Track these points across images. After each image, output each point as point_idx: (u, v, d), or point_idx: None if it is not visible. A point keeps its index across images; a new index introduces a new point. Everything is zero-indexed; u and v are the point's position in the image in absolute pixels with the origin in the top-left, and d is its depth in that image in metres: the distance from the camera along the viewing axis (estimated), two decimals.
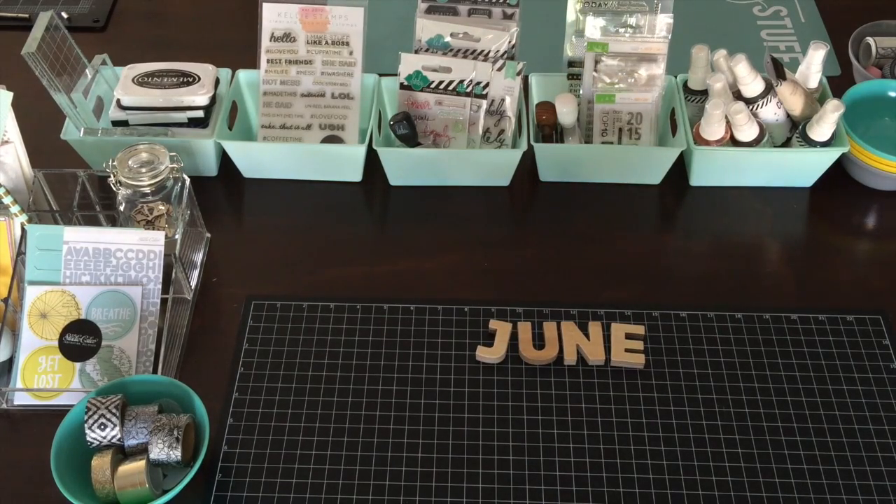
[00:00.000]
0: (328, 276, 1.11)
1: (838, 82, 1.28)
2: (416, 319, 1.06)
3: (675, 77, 1.21)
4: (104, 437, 0.89)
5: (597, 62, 1.15)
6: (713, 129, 1.12)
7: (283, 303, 1.07)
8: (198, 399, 0.92)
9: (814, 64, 1.18)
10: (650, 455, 0.94)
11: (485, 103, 1.15)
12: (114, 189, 1.04)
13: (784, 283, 1.10)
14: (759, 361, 1.01)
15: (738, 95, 1.15)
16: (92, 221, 1.09)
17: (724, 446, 0.95)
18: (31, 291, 1.00)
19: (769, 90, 1.14)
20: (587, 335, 1.03)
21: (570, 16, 1.18)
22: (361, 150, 1.17)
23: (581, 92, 1.17)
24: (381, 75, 1.22)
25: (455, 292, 1.09)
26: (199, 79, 1.19)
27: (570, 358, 1.01)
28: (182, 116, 1.18)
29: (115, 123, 1.19)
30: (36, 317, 0.99)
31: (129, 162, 1.04)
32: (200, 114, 1.19)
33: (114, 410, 0.89)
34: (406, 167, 1.19)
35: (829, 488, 0.91)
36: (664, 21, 1.14)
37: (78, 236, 1.00)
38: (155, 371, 0.98)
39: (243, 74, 1.24)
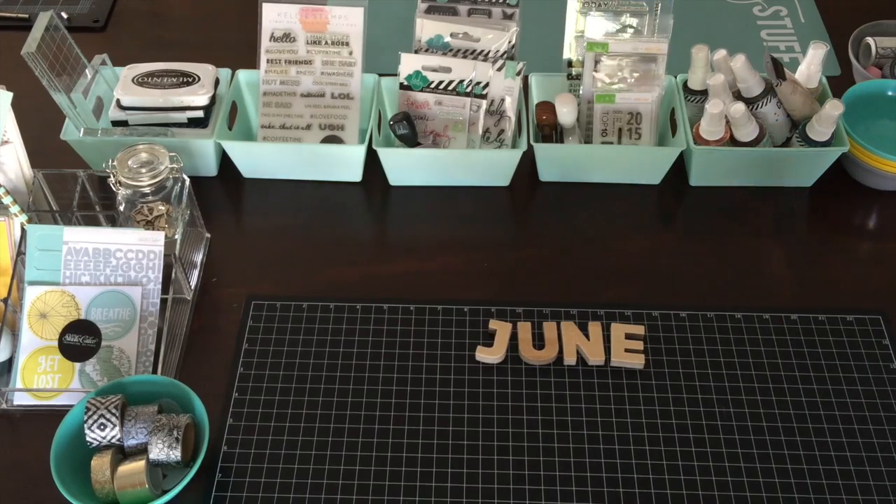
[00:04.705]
0: (328, 276, 1.11)
1: (838, 82, 1.28)
2: (415, 319, 1.06)
3: (675, 77, 1.21)
4: (104, 438, 0.89)
5: (597, 62, 1.15)
6: (713, 128, 1.12)
7: (283, 303, 1.07)
8: (197, 399, 0.92)
9: (814, 64, 1.18)
10: (650, 455, 0.94)
11: (485, 103, 1.15)
12: (113, 189, 1.04)
13: (784, 283, 1.10)
14: (759, 361, 1.01)
15: (738, 95, 1.15)
16: (92, 221, 1.09)
17: (724, 446, 0.94)
18: (31, 291, 0.99)
19: (769, 90, 1.14)
20: (587, 335, 1.03)
21: (570, 16, 1.18)
22: (361, 151, 1.17)
23: (581, 92, 1.17)
24: (380, 75, 1.22)
25: (455, 292, 1.09)
26: (199, 79, 1.19)
27: (569, 358, 1.01)
28: (182, 116, 1.18)
29: (115, 123, 1.19)
30: (36, 317, 0.99)
31: (129, 162, 1.04)
32: (200, 114, 1.19)
33: (113, 410, 0.89)
34: (406, 167, 1.19)
35: (829, 488, 0.91)
36: (664, 21, 1.14)
37: (78, 236, 1.00)
38: (155, 371, 0.98)
39: (243, 74, 1.24)
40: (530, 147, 1.15)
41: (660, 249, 1.14)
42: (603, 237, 1.15)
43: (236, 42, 1.35)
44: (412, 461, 0.94)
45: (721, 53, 1.17)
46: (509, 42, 1.15)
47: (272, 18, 1.19)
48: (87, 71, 1.18)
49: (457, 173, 1.19)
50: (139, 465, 0.88)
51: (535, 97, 1.20)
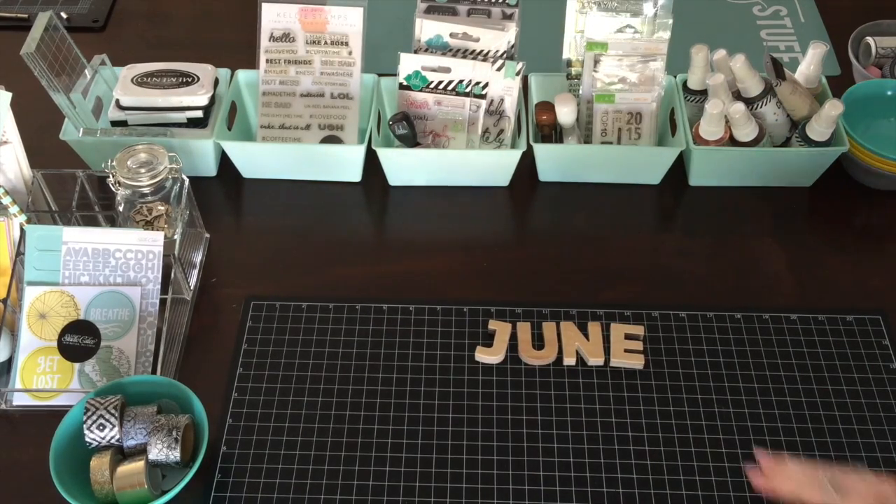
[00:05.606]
0: (328, 276, 1.11)
1: (838, 82, 1.28)
2: (415, 320, 1.05)
3: (675, 77, 1.21)
4: (103, 438, 0.89)
5: (596, 62, 1.14)
6: (713, 128, 1.12)
7: (282, 303, 1.07)
8: (197, 399, 0.92)
9: (813, 63, 1.18)
10: (649, 455, 0.94)
11: (484, 103, 1.15)
12: (113, 189, 1.04)
13: (784, 283, 1.09)
14: (759, 361, 1.01)
15: (737, 95, 1.15)
16: (91, 222, 1.09)
17: (723, 446, 0.94)
18: (30, 292, 0.99)
19: (769, 90, 1.14)
20: (587, 336, 1.03)
21: (570, 16, 1.18)
22: (361, 151, 1.17)
23: (580, 92, 1.17)
24: (380, 75, 1.22)
25: (455, 292, 1.09)
26: (198, 79, 1.19)
27: (569, 359, 1.01)
28: (181, 117, 1.18)
29: (114, 124, 1.19)
30: (35, 317, 0.99)
31: (128, 162, 1.04)
32: (199, 114, 1.18)
33: (113, 411, 0.89)
34: (405, 167, 1.19)
35: None
36: (664, 21, 1.14)
37: (77, 237, 1.00)
38: (154, 371, 0.98)
39: (242, 74, 1.23)
40: (530, 147, 1.15)
41: (659, 249, 1.14)
42: (602, 237, 1.15)
43: (235, 42, 1.34)
44: (412, 461, 0.94)
45: (721, 53, 1.17)
46: (509, 42, 1.15)
47: (271, 18, 1.19)
48: (86, 71, 1.18)
49: (456, 173, 1.19)
50: (138, 465, 0.88)
51: (535, 97, 1.20)
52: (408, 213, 1.19)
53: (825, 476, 0.80)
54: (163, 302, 1.01)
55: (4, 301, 1.00)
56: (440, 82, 1.15)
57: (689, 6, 1.42)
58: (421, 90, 1.16)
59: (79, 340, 0.98)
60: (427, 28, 1.16)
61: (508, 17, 1.16)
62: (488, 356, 1.01)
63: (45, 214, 1.09)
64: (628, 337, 1.03)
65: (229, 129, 1.20)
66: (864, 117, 1.21)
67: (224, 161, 1.22)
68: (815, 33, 1.42)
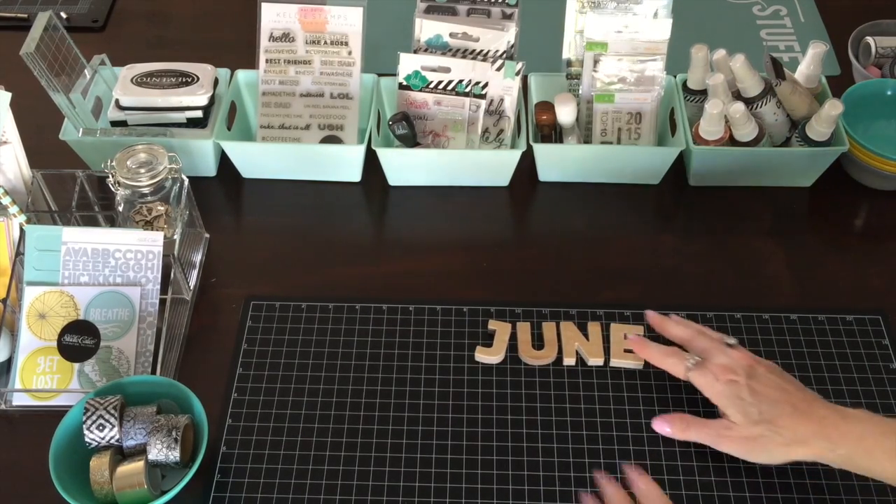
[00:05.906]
0: (327, 276, 1.11)
1: (838, 82, 1.28)
2: (415, 320, 1.05)
3: (675, 77, 1.21)
4: (103, 438, 0.89)
5: (596, 62, 1.14)
6: (712, 128, 1.12)
7: (282, 303, 1.07)
8: (196, 400, 0.92)
9: (813, 63, 1.18)
10: (649, 455, 0.94)
11: (484, 103, 1.15)
12: (112, 189, 1.04)
13: (784, 283, 1.09)
14: None
15: (737, 95, 1.15)
16: (91, 222, 1.09)
17: None
18: (30, 292, 0.99)
19: (769, 90, 1.14)
20: (586, 336, 1.03)
21: (570, 16, 1.18)
22: (360, 151, 1.17)
23: (580, 92, 1.17)
24: (380, 75, 1.22)
25: (454, 292, 1.09)
26: (198, 79, 1.19)
27: (569, 359, 1.01)
28: (181, 117, 1.18)
29: (114, 124, 1.19)
30: (34, 317, 0.99)
31: (128, 162, 1.04)
32: (199, 114, 1.18)
33: (112, 411, 0.89)
34: (405, 167, 1.18)
35: (828, 489, 0.91)
36: (664, 21, 1.14)
37: (77, 237, 1.00)
38: (153, 372, 0.98)
39: (242, 74, 1.23)
40: (530, 147, 1.15)
41: (659, 249, 1.14)
42: (602, 237, 1.15)
43: (235, 42, 1.34)
44: (411, 461, 0.94)
45: (720, 53, 1.17)
46: (508, 42, 1.15)
47: (271, 18, 1.19)
48: (85, 71, 1.18)
49: (456, 173, 1.19)
50: (138, 465, 0.88)
51: (535, 97, 1.20)
52: (408, 213, 1.19)
53: (690, 355, 0.94)
54: (162, 302, 1.01)
55: (4, 301, 1.00)
56: (440, 82, 1.15)
57: (689, 6, 1.42)
58: (421, 90, 1.16)
59: (78, 340, 0.98)
60: (427, 28, 1.16)
61: (508, 17, 1.16)
62: (488, 356, 1.01)
63: (44, 214, 1.09)
64: (628, 337, 1.03)
65: (229, 129, 1.20)
66: (864, 117, 1.20)
67: (224, 161, 1.22)
68: (815, 33, 1.42)
